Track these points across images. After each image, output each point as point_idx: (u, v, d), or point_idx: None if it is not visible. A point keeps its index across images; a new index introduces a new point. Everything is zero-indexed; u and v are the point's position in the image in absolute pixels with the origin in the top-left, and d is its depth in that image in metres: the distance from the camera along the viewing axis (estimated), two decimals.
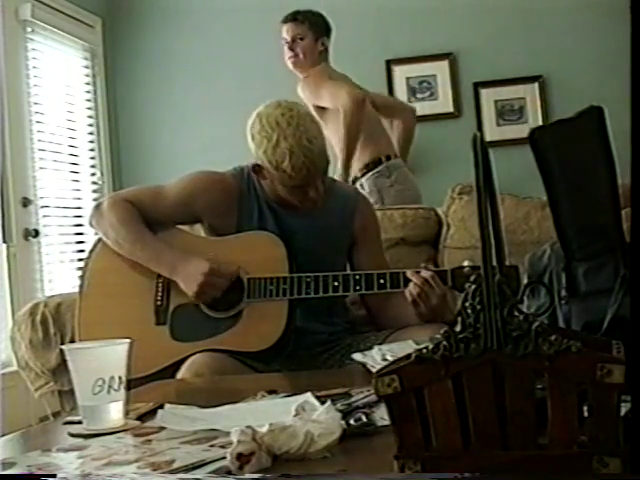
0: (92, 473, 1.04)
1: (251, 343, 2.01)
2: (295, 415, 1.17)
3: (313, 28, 3.55)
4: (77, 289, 2.20)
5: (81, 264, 2.54)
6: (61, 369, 2.25)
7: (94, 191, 4.43)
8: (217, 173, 2.20)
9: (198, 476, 1.00)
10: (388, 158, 3.57)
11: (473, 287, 0.87)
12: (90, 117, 4.47)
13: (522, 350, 0.85)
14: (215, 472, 1.00)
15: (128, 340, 1.33)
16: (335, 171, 3.31)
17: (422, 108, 4.19)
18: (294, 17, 3.58)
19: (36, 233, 3.80)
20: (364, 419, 1.18)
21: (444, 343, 0.86)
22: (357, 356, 1.77)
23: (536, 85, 4.28)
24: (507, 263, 1.03)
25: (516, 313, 0.86)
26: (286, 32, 3.58)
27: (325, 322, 2.18)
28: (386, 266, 2.20)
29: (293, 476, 0.99)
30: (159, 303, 2.09)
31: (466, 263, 2.00)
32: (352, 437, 1.11)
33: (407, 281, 2.00)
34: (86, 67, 4.48)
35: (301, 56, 3.56)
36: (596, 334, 1.39)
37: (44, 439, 1.39)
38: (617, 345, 0.95)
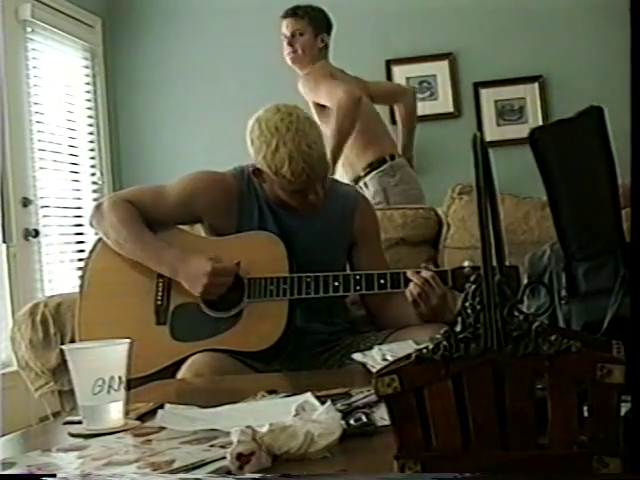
0: (92, 473, 1.04)
1: (251, 343, 2.01)
2: (295, 415, 1.17)
3: (313, 24, 3.49)
4: (77, 289, 2.20)
5: (81, 264, 2.54)
6: (61, 369, 2.25)
7: (94, 191, 4.43)
8: (217, 173, 2.20)
9: (198, 476, 1.00)
10: (392, 157, 3.54)
11: (473, 287, 0.87)
12: (90, 117, 4.47)
13: (522, 350, 0.85)
14: (215, 472, 1.00)
15: (128, 340, 1.33)
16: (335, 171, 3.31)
17: (422, 108, 4.17)
18: (294, 12, 3.51)
19: (36, 233, 3.79)
20: (364, 419, 1.18)
21: (444, 343, 0.86)
22: (357, 356, 1.77)
23: (536, 85, 4.28)
24: (507, 263, 1.03)
25: (516, 313, 0.86)
26: (285, 27, 3.52)
27: (325, 322, 2.18)
28: (386, 266, 2.20)
29: (293, 476, 0.99)
30: (159, 303, 2.09)
31: (466, 263, 2.00)
32: (352, 437, 1.11)
33: (407, 281, 2.00)
34: (86, 67, 4.48)
35: (300, 52, 3.50)
36: (596, 334, 1.39)
37: (44, 439, 1.39)
38: (617, 345, 0.95)
